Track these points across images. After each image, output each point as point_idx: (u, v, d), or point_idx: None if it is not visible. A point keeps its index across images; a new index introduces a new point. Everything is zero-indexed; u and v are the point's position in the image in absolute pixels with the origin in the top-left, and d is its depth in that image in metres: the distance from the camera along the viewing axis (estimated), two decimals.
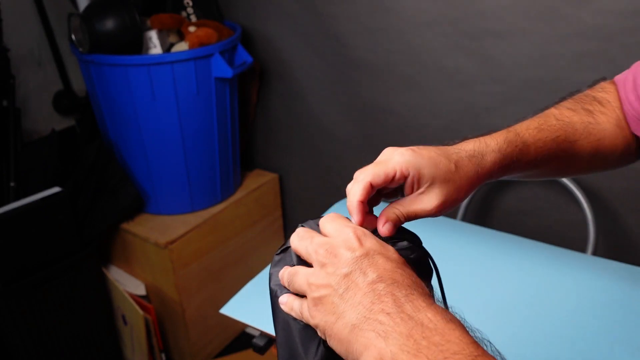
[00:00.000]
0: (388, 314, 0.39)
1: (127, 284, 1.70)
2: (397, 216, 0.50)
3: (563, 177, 0.68)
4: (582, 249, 1.32)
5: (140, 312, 1.59)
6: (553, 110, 0.64)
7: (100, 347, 1.65)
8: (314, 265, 0.45)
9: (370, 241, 0.44)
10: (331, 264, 0.43)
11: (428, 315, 0.39)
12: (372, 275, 0.41)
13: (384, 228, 0.49)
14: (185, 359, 1.77)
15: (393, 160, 0.50)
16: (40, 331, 1.48)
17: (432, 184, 0.50)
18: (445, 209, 0.52)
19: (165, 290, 1.65)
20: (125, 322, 1.69)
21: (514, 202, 1.48)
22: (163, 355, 1.75)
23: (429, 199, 0.50)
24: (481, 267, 1.06)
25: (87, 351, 1.61)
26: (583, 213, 1.29)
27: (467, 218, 1.49)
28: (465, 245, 1.14)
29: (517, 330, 0.91)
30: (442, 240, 1.14)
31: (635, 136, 0.66)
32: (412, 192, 0.51)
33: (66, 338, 1.55)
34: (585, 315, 0.93)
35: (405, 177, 0.50)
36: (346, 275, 0.42)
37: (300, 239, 0.47)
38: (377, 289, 0.40)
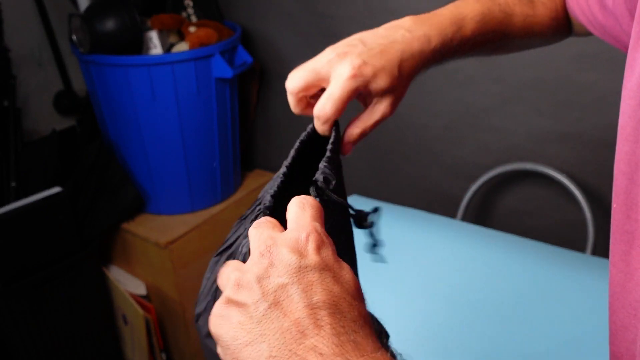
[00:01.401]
0: (321, 354, 0.30)
1: (127, 283, 1.70)
2: (359, 135, 0.54)
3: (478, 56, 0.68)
4: (581, 249, 1.32)
5: (141, 311, 1.59)
6: None
7: (100, 347, 1.66)
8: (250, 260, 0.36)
9: (327, 252, 0.35)
10: (268, 265, 0.33)
11: None
12: (316, 296, 0.32)
13: (347, 149, 0.53)
14: (186, 359, 1.77)
15: (346, 86, 0.50)
16: (40, 331, 1.48)
17: (382, 96, 0.53)
18: (397, 106, 0.56)
19: (166, 290, 1.65)
20: (125, 322, 1.70)
21: (514, 202, 1.48)
22: (163, 355, 1.75)
23: (381, 107, 0.54)
24: (481, 267, 1.07)
25: (87, 351, 1.62)
26: (582, 213, 1.29)
27: (467, 218, 1.50)
28: (465, 245, 1.14)
29: (517, 329, 0.91)
30: (442, 240, 1.14)
31: (569, 20, 0.69)
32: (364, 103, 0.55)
33: (66, 338, 1.55)
34: (585, 315, 0.93)
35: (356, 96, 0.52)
36: (281, 287, 0.32)
37: (257, 227, 0.38)
38: (316, 315, 0.31)
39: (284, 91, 2.02)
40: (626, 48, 0.57)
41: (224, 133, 1.65)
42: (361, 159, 1.70)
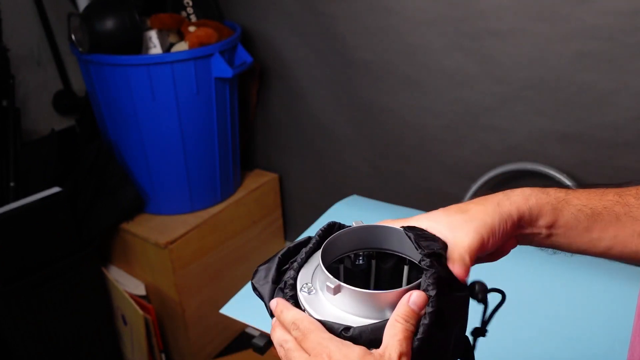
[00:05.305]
0: None
1: (127, 284, 1.70)
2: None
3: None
4: None
5: (140, 312, 1.59)
6: None
7: (100, 347, 1.65)
8: None
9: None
10: None
11: None
12: None
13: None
14: (185, 359, 1.77)
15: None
16: (40, 331, 1.48)
17: None
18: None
19: (165, 290, 1.65)
20: (125, 322, 1.69)
21: None
22: (163, 355, 1.75)
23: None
24: (481, 267, 1.06)
25: (87, 351, 1.61)
26: None
27: None
28: None
29: (517, 329, 0.91)
30: None
31: None
32: None
33: (66, 338, 1.55)
34: (586, 315, 0.93)
35: None
36: None
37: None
38: None
39: (283, 91, 2.02)
40: None
41: (223, 133, 1.65)
42: (361, 159, 1.70)
